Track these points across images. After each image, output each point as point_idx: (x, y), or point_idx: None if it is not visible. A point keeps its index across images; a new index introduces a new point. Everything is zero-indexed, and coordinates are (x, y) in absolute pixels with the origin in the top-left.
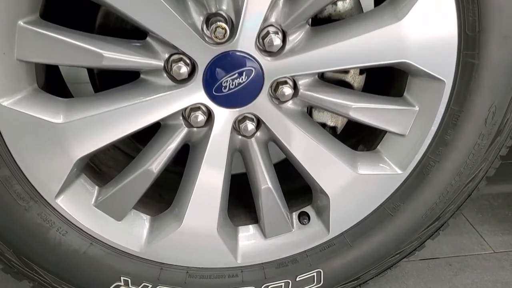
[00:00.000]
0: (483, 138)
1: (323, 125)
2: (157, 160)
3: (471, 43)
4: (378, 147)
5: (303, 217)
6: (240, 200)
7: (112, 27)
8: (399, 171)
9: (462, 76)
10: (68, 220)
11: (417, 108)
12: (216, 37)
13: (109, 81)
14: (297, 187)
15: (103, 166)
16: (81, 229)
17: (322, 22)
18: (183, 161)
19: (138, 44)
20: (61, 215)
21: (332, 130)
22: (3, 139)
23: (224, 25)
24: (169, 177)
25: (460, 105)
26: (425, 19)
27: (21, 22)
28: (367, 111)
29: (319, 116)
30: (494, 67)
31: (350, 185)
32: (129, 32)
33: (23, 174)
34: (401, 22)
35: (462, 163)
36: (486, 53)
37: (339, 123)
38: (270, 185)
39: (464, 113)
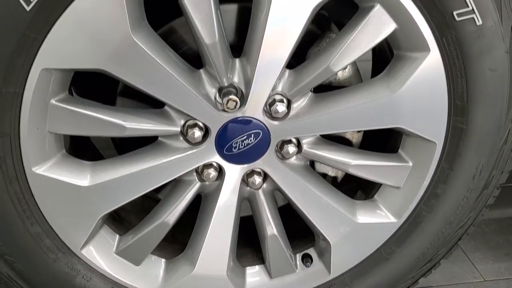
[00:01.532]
0: (471, 191)
1: (325, 175)
2: (172, 213)
3: (460, 111)
4: (376, 196)
5: (306, 259)
6: (248, 239)
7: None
8: (394, 220)
9: (452, 139)
10: (92, 268)
11: (410, 164)
12: (228, 108)
13: (130, 140)
14: (301, 227)
15: (122, 212)
16: (104, 275)
17: (323, 88)
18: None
19: (156, 112)
20: (86, 263)
21: (333, 179)
22: (35, 201)
23: (235, 97)
24: (182, 217)
25: (450, 163)
26: (418, 90)
27: (53, 101)
28: (365, 167)
29: (321, 167)
30: (481, 132)
31: (350, 232)
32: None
33: (53, 230)
34: (397, 94)
35: (452, 213)
36: (474, 119)
37: (340, 173)
38: (275, 232)
39: (454, 170)
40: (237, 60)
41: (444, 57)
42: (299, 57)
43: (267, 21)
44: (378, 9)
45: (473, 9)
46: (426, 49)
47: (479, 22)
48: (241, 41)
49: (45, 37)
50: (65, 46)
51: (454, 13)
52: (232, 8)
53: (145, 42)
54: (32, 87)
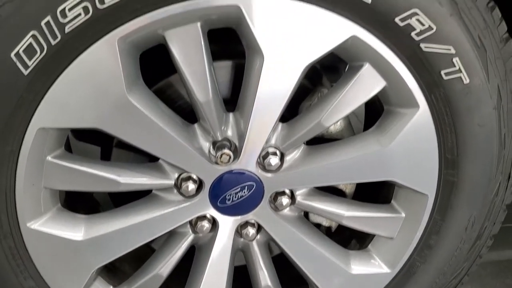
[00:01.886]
0: (464, 242)
1: (319, 225)
2: (166, 265)
3: (451, 164)
4: (369, 246)
5: None
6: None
7: None
8: (388, 270)
9: (443, 191)
10: None
11: (403, 215)
12: (221, 162)
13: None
14: (296, 276)
15: (116, 261)
16: None
17: (316, 139)
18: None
19: (150, 166)
20: None
21: (327, 229)
22: (29, 255)
23: (229, 152)
24: (176, 267)
25: (442, 215)
26: (409, 145)
27: (49, 157)
28: (358, 219)
29: (315, 217)
30: (472, 184)
31: (344, 282)
32: None
33: (47, 284)
34: (388, 148)
35: (446, 264)
36: (464, 173)
37: (334, 223)
38: (269, 283)
39: (446, 222)
40: (230, 115)
41: (433, 113)
42: (291, 110)
43: (260, 78)
44: (367, 68)
45: (460, 68)
46: (416, 105)
47: (466, 80)
48: (235, 95)
49: (42, 98)
50: (61, 106)
51: (442, 72)
52: (226, 65)
53: (140, 101)
54: (28, 145)
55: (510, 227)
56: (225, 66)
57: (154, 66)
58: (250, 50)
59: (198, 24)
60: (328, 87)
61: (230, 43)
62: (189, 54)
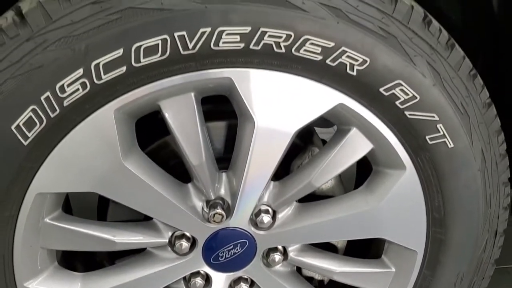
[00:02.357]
0: None
1: (311, 279)
2: None
3: (438, 223)
4: None
5: None
6: None
7: None
8: None
9: (432, 248)
10: None
11: (393, 270)
12: (214, 221)
13: None
14: None
15: None
16: None
17: (308, 195)
18: None
19: (144, 225)
20: None
21: (320, 282)
22: None
23: (221, 211)
24: None
25: (431, 270)
26: (397, 204)
27: (46, 219)
28: (349, 274)
29: (307, 271)
30: (459, 242)
31: None
32: None
33: None
34: (376, 207)
35: None
36: (452, 231)
37: (326, 277)
38: None
39: (435, 277)
40: (223, 174)
41: (420, 174)
42: (283, 165)
43: (252, 142)
44: (354, 132)
45: (444, 134)
46: (403, 167)
47: (450, 145)
48: (227, 153)
49: (40, 165)
50: (59, 173)
51: (427, 137)
52: (219, 125)
53: (135, 166)
54: (27, 209)
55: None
56: (218, 127)
57: (150, 127)
58: (242, 116)
59: (192, 94)
60: (319, 146)
61: (223, 103)
62: (183, 121)
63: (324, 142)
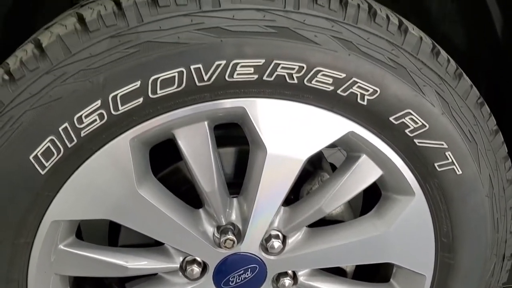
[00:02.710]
0: None
1: None
2: None
3: (447, 247)
4: None
5: None
6: None
7: None
8: None
9: (440, 272)
10: None
11: None
12: (225, 246)
13: None
14: None
15: None
16: None
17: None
18: None
19: (156, 250)
20: None
21: None
22: None
23: (233, 237)
24: None
25: None
26: (406, 229)
27: (61, 246)
28: None
29: None
30: (468, 266)
31: None
32: None
33: None
34: (386, 232)
35: None
36: (460, 255)
37: None
38: None
39: None
40: (235, 200)
41: (428, 200)
42: (293, 190)
43: (263, 169)
44: (364, 159)
45: (452, 161)
46: (412, 193)
47: (459, 172)
48: (238, 178)
49: (56, 193)
50: (75, 200)
51: (435, 164)
52: (230, 151)
53: (149, 193)
54: (42, 236)
55: None
56: (230, 152)
57: (163, 152)
58: (254, 143)
59: (206, 122)
60: (328, 172)
61: (235, 129)
62: (197, 149)
63: (332, 166)
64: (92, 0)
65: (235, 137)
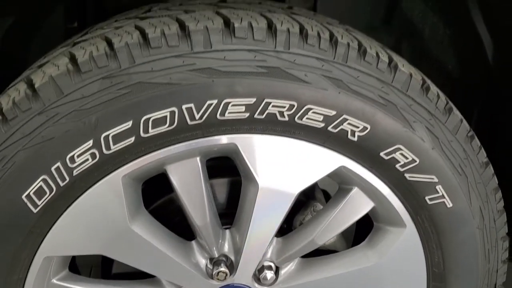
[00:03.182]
0: None
1: None
2: None
3: (438, 277)
4: None
5: None
6: None
7: None
8: None
9: None
10: None
11: None
12: (218, 279)
13: None
14: None
15: None
16: None
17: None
18: None
19: (149, 282)
20: None
21: None
22: None
23: (225, 269)
24: None
25: None
26: (398, 260)
27: (53, 280)
28: None
29: None
30: None
31: None
32: None
33: None
34: (378, 263)
35: None
36: (451, 285)
37: None
38: None
39: None
40: (227, 231)
41: (420, 231)
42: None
43: (256, 202)
44: (356, 191)
45: (443, 194)
46: (403, 225)
47: (449, 205)
48: (231, 208)
49: (49, 230)
50: (67, 237)
51: (426, 198)
52: (222, 182)
53: (141, 228)
54: (34, 272)
55: None
56: (222, 183)
57: (156, 184)
58: (246, 178)
59: (198, 158)
60: (320, 202)
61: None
62: (189, 184)
63: (325, 192)
64: (84, 39)
65: (227, 167)
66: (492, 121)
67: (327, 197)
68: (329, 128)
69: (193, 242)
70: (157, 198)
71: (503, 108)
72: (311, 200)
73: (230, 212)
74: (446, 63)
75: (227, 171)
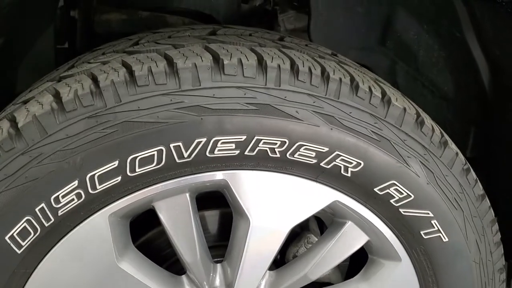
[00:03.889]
0: None
1: None
2: None
3: None
4: None
5: None
6: None
7: None
8: None
9: None
10: None
11: None
12: None
13: None
14: None
15: None
16: None
17: None
18: None
19: None
20: None
21: None
22: None
23: None
24: None
25: None
26: None
27: None
28: None
29: None
30: None
31: None
32: None
33: None
34: None
35: None
36: None
37: None
38: None
39: None
40: (218, 265)
41: (415, 265)
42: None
43: (247, 238)
44: (350, 225)
45: (438, 229)
46: (398, 258)
47: (445, 239)
48: (222, 240)
49: (34, 270)
50: (53, 276)
51: (421, 232)
52: (213, 213)
53: (129, 266)
54: None
55: None
56: (213, 215)
57: (145, 218)
58: (237, 213)
59: (187, 194)
60: (314, 233)
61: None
62: (178, 220)
63: (319, 221)
64: (70, 73)
65: (217, 197)
66: (488, 142)
67: (320, 224)
68: (322, 164)
69: (184, 277)
70: (146, 230)
71: (499, 129)
72: (305, 231)
73: (221, 244)
74: (441, 84)
75: (217, 200)
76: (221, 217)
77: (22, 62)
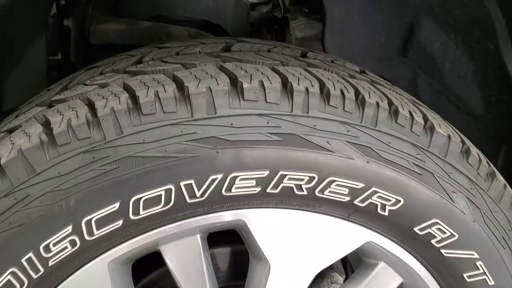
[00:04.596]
0: None
1: None
2: None
3: None
4: None
5: None
6: None
7: None
8: None
9: None
10: None
11: None
12: None
13: None
14: None
15: None
16: None
17: None
18: None
19: None
20: None
21: None
22: None
23: None
24: None
25: None
26: None
27: None
28: None
29: None
30: None
31: None
32: None
33: None
34: None
35: None
36: None
37: None
38: None
39: None
40: None
41: None
42: None
43: (267, 284)
44: (383, 266)
45: (484, 271)
46: None
47: (491, 282)
48: (235, 280)
49: None
50: None
51: (464, 275)
52: (225, 251)
53: None
54: None
55: None
56: (225, 252)
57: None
58: (255, 256)
59: (198, 235)
60: (338, 271)
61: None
62: (187, 265)
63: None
64: (62, 97)
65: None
66: None
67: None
68: (356, 201)
69: None
70: (149, 269)
71: None
72: (327, 269)
73: (234, 285)
74: (468, 100)
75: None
76: (234, 255)
77: (10, 75)
